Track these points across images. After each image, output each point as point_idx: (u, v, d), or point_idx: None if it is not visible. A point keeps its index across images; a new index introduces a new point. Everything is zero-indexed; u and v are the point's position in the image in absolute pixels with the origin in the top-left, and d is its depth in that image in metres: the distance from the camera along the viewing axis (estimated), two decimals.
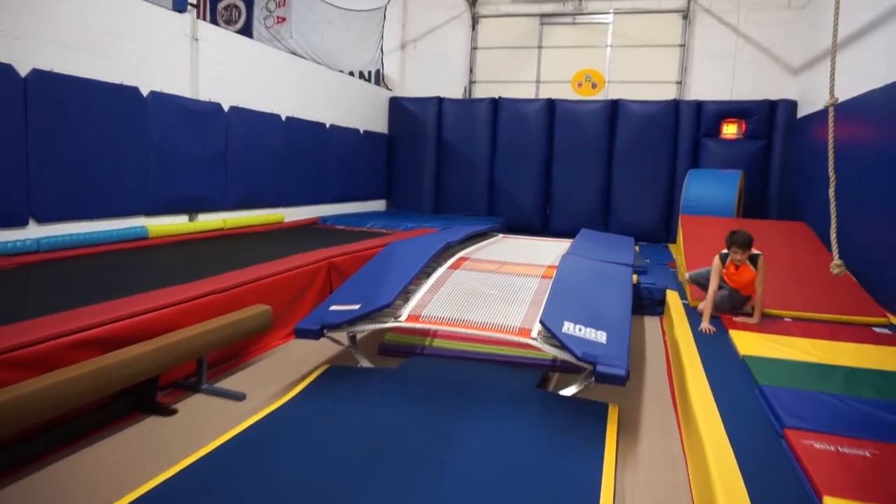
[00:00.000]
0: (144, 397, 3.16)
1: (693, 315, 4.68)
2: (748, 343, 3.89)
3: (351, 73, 11.13)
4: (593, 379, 2.94)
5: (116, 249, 5.22)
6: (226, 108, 6.76)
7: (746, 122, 9.23)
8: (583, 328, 3.18)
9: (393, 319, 3.56)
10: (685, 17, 9.75)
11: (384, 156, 10.89)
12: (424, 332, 4.26)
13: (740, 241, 4.47)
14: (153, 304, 3.34)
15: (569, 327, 3.15)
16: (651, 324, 5.53)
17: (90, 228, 5.23)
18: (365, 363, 3.74)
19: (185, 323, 3.45)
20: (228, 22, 12.18)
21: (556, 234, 10.11)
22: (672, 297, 5.42)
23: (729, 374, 3.34)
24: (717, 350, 3.82)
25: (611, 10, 10.11)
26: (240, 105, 7.00)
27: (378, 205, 10.85)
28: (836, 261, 3.75)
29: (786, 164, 9.05)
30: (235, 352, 3.94)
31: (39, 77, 4.68)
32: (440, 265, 4.48)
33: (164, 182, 5.95)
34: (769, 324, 4.40)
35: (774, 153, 9.16)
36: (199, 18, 11.40)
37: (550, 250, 5.25)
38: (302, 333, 3.50)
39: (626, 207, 9.77)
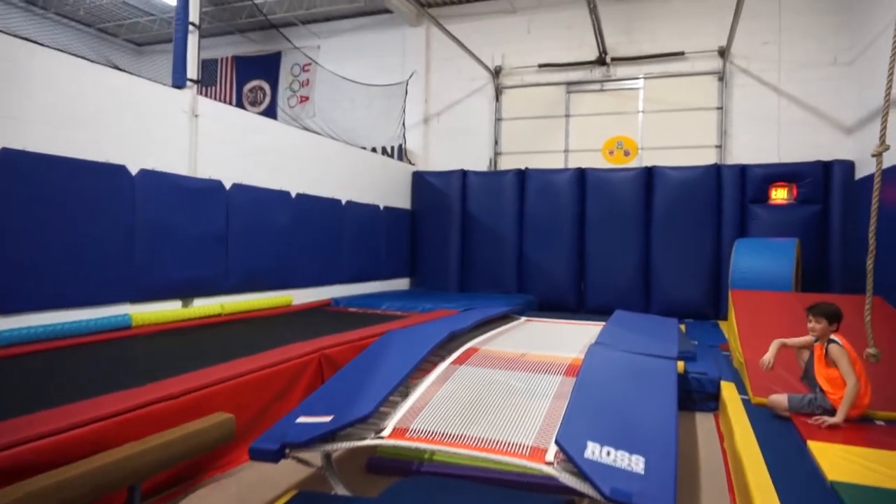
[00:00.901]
0: None
1: (757, 416, 3.79)
2: (836, 461, 2.99)
3: (374, 149, 10.88)
4: None
5: (88, 342, 4.68)
6: (227, 185, 6.37)
7: (798, 185, 8.42)
8: (612, 451, 2.39)
9: (373, 435, 2.83)
10: (721, 79, 9.19)
11: (407, 232, 10.39)
12: None
13: (822, 310, 3.67)
14: (77, 419, 2.71)
15: (594, 450, 2.37)
16: (704, 422, 4.63)
17: (63, 318, 4.73)
18: (341, 489, 2.99)
19: (119, 441, 2.80)
20: (254, 103, 12.24)
21: (592, 311, 9.29)
22: (728, 391, 4.53)
23: None
24: (794, 468, 2.94)
25: (641, 76, 9.64)
26: (243, 182, 6.61)
27: (401, 283, 10.26)
28: (871, 349, 3.46)
29: (847, 230, 8.14)
30: (190, 471, 3.25)
31: (7, 156, 4.32)
32: (443, 358, 3.77)
33: (153, 265, 5.48)
34: (857, 430, 3.49)
35: (833, 218, 8.27)
36: (223, 101, 11.45)
37: (579, 337, 4.48)
38: (257, 454, 2.80)
39: (668, 281, 8.91)
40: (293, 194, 7.45)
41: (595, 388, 2.94)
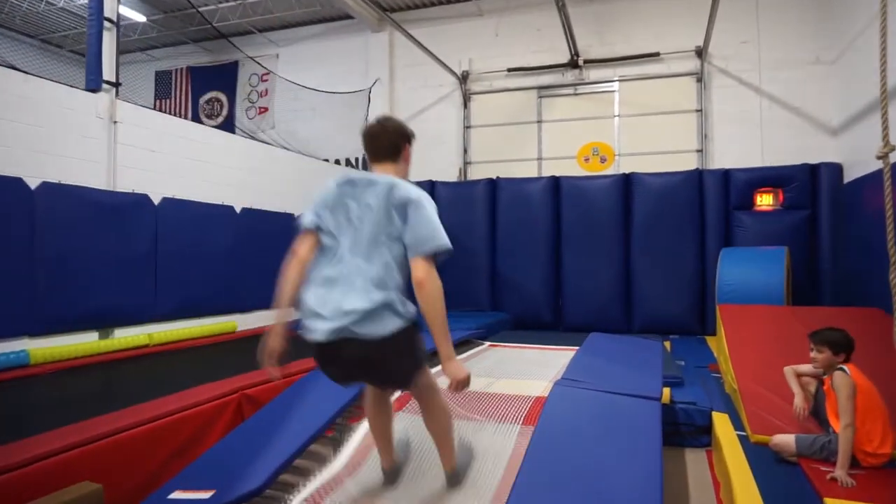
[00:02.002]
0: None
1: (759, 461, 3.16)
2: None
3: (337, 161, 10.23)
4: None
5: None
6: (156, 199, 5.67)
7: (784, 190, 7.89)
8: None
9: None
10: (699, 81, 8.69)
11: None
12: None
13: (825, 338, 3.09)
14: None
15: None
16: (695, 462, 3.99)
17: None
18: None
19: None
20: (210, 116, 11.55)
21: (571, 329, 8.65)
22: (722, 426, 3.89)
23: None
24: None
25: (615, 78, 9.12)
26: (177, 196, 5.92)
27: None
28: None
29: (838, 236, 7.61)
30: None
31: None
32: None
33: (58, 292, 4.75)
34: (879, 478, 2.87)
35: (822, 224, 7.74)
36: (178, 114, 10.75)
37: (547, 368, 3.83)
38: None
39: (651, 295, 8.31)
40: (238, 209, 6.75)
41: (556, 447, 2.29)
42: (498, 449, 2.43)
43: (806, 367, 3.38)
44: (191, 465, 2.68)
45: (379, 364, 2.15)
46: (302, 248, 2.37)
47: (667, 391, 4.45)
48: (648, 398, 2.60)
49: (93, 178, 5.09)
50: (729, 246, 7.85)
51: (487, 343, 5.07)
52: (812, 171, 7.81)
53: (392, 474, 2.39)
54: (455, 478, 2.31)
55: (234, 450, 2.64)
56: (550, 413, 2.57)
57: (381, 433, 2.39)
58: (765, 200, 8.01)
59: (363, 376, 2.27)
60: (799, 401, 3.35)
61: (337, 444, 2.72)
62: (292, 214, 7.78)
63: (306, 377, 3.39)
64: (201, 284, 6.18)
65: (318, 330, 2.11)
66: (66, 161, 4.87)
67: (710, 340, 7.49)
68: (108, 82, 5.23)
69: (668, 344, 7.19)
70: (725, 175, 8.16)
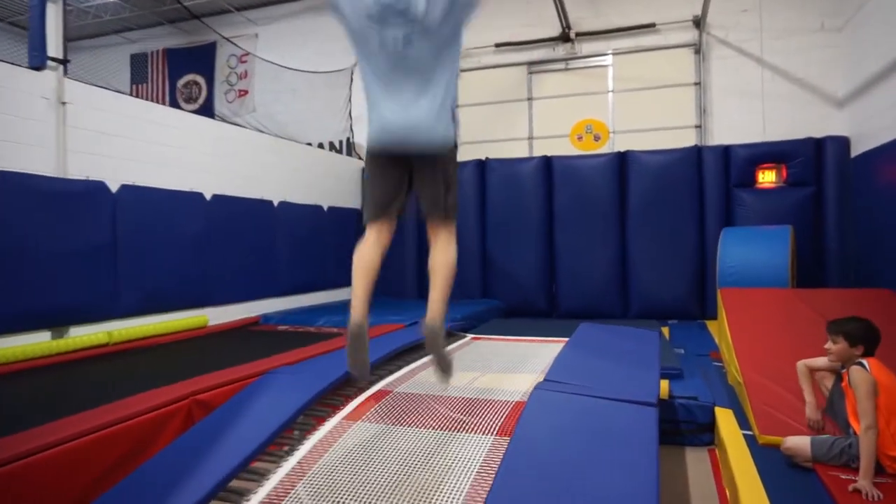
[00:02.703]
0: None
1: (769, 466, 2.80)
2: None
3: (321, 145, 9.82)
4: None
5: None
6: (114, 187, 5.26)
7: (787, 166, 7.49)
8: None
9: None
10: (697, 52, 8.24)
11: (358, 235, 9.29)
12: None
13: (841, 327, 2.75)
14: None
15: None
16: (697, 463, 3.63)
17: None
18: None
19: None
20: (189, 100, 11.10)
21: (566, 315, 8.29)
22: (726, 424, 3.53)
23: None
24: None
25: (609, 52, 8.67)
26: (138, 183, 5.51)
27: None
28: None
29: (845, 214, 7.22)
30: None
31: None
32: (337, 408, 2.73)
33: (3, 291, 4.35)
34: None
35: (828, 202, 7.35)
36: (156, 99, 10.28)
37: (532, 363, 3.46)
38: None
39: (648, 279, 7.94)
40: (208, 196, 6.35)
41: (533, 464, 1.92)
42: (465, 466, 2.06)
43: (821, 361, 3.01)
44: (118, 484, 2.31)
45: (441, 167, 2.50)
46: None
47: (665, 384, 4.08)
48: (643, 403, 2.23)
49: (40, 164, 4.68)
50: (730, 226, 7.47)
51: (470, 336, 4.70)
52: (817, 145, 7.40)
53: (363, 335, 2.48)
54: (438, 332, 2.48)
55: (165, 468, 2.27)
56: (528, 424, 2.20)
57: (367, 280, 2.62)
58: (767, 177, 7.60)
59: (421, 181, 2.54)
60: (811, 411, 3.01)
61: (291, 449, 2.36)
62: (271, 202, 7.38)
63: (248, 388, 3.01)
64: (168, 277, 5.79)
65: (394, 131, 2.37)
66: (8, 146, 4.46)
67: (711, 325, 7.13)
68: (54, 59, 4.80)
69: (666, 330, 6.83)
70: (725, 151, 7.75)
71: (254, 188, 7.09)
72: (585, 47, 8.78)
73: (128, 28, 11.66)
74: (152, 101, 11.19)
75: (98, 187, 5.11)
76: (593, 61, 8.77)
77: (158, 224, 5.69)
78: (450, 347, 4.21)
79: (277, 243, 7.40)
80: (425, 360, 3.89)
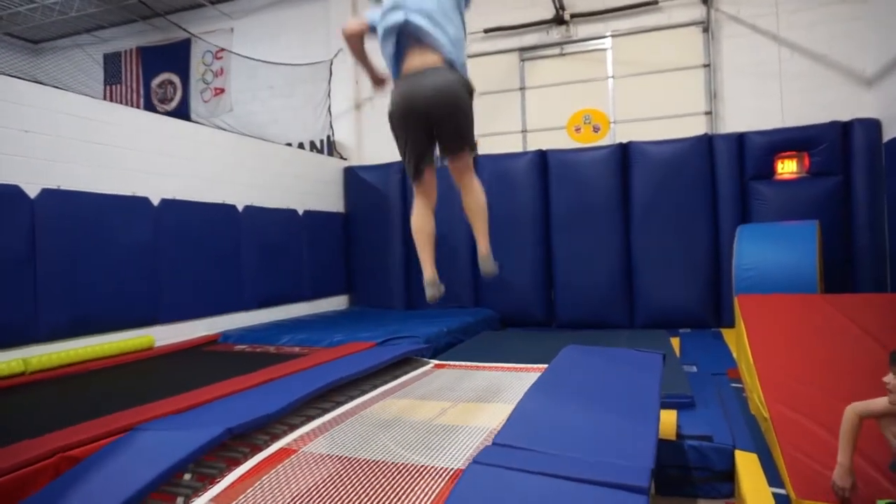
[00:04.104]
0: None
1: None
2: None
3: (301, 145, 9.13)
4: None
5: None
6: (32, 192, 4.58)
7: (810, 154, 6.66)
8: None
9: None
10: (706, 31, 7.44)
11: (340, 241, 8.61)
12: None
13: None
14: None
15: None
16: None
17: None
18: None
19: None
20: (164, 100, 10.47)
21: (566, 325, 7.53)
22: (749, 472, 2.75)
23: None
24: None
25: (608, 34, 7.88)
26: (64, 187, 4.82)
27: (336, 303, 8.46)
28: None
29: (877, 207, 6.39)
30: None
31: None
32: (240, 460, 2.00)
33: None
34: None
35: (857, 193, 6.51)
36: (128, 103, 9.63)
37: (497, 404, 2.70)
38: None
39: (656, 283, 7.14)
40: (155, 200, 5.66)
41: None
42: None
43: (880, 403, 2.23)
44: None
45: (460, 109, 2.86)
46: None
47: (671, 418, 3.33)
48: (627, 489, 1.48)
49: None
50: (746, 223, 6.67)
51: (433, 363, 3.93)
52: (843, 129, 6.57)
53: (438, 284, 3.00)
54: (490, 261, 3.09)
55: None
56: None
57: (429, 243, 3.08)
58: (787, 167, 6.78)
59: (442, 123, 2.88)
60: (842, 475, 2.24)
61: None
62: (234, 206, 6.68)
63: (101, 451, 2.28)
64: (105, 294, 5.10)
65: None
66: None
67: (728, 334, 6.34)
68: None
69: (676, 341, 6.05)
70: (740, 139, 6.94)
71: (214, 191, 6.39)
72: (581, 30, 8.01)
73: (100, 26, 11.06)
74: (126, 103, 10.58)
75: (9, 192, 4.42)
76: (591, 45, 7.98)
77: (91, 233, 5.00)
78: (405, 378, 3.47)
79: (242, 252, 6.70)
80: (379, 390, 3.16)
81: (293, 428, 2.47)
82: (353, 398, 3.23)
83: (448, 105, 2.80)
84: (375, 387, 3.27)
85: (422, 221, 3.11)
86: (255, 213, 6.94)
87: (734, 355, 5.24)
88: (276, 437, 2.38)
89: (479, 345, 5.46)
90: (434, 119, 2.84)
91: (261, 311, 6.93)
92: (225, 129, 7.26)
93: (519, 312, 7.77)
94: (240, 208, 6.74)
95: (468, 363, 3.80)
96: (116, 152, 5.34)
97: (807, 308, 4.55)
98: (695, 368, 4.89)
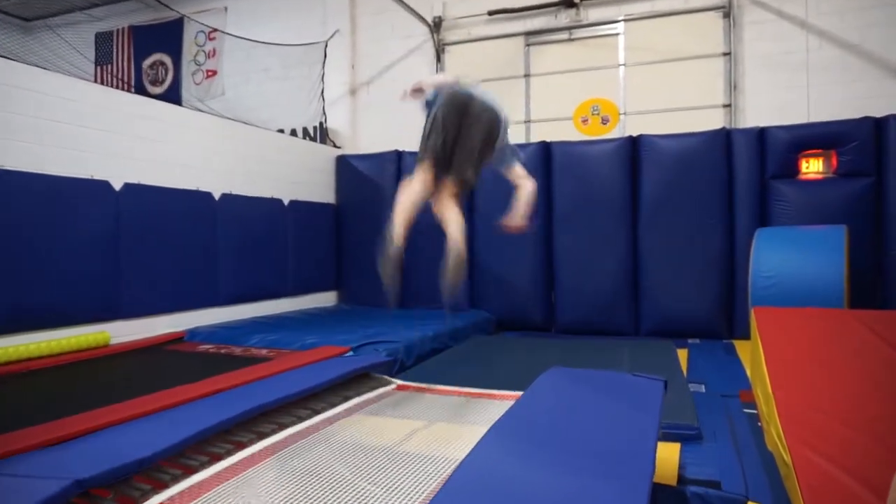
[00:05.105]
0: None
1: None
2: None
3: (293, 132, 8.66)
4: None
5: None
6: None
7: (838, 152, 6.07)
8: None
9: None
10: (727, 16, 6.85)
11: (330, 234, 8.12)
12: None
13: None
14: None
15: None
16: None
17: None
18: None
19: None
20: (155, 82, 10.03)
21: (567, 331, 7.01)
22: None
23: None
24: None
25: (620, 18, 7.32)
26: (6, 167, 4.37)
27: (323, 300, 7.99)
28: None
29: None
30: None
31: None
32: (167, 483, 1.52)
33: None
34: None
35: (890, 195, 5.92)
36: (119, 83, 9.21)
37: (455, 445, 2.20)
38: None
39: (664, 288, 6.59)
40: (117, 185, 5.20)
41: None
42: None
43: None
44: None
45: (487, 134, 3.27)
46: None
47: (674, 454, 2.82)
48: None
49: None
50: (766, 226, 6.10)
51: (396, 383, 3.42)
52: (876, 126, 5.97)
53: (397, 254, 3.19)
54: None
55: None
56: None
57: (410, 213, 3.28)
58: (813, 166, 6.20)
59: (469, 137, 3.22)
60: None
61: None
62: (209, 194, 6.22)
63: None
64: (55, 285, 4.65)
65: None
66: None
67: (741, 347, 5.80)
68: None
69: (684, 354, 5.51)
70: (761, 135, 6.36)
71: (187, 177, 5.93)
72: (592, 13, 7.44)
73: (94, 4, 10.63)
74: (115, 86, 10.16)
75: None
76: (601, 30, 7.41)
77: (38, 219, 4.55)
78: (358, 399, 2.97)
79: (218, 243, 6.24)
80: (309, 422, 2.67)
81: (240, 446, 2.00)
82: (301, 419, 2.76)
83: (492, 121, 3.26)
84: (317, 412, 2.78)
85: (413, 197, 3.24)
86: (233, 202, 6.47)
87: (748, 373, 4.70)
88: (217, 458, 1.91)
89: (460, 356, 4.94)
90: (473, 128, 3.20)
91: (237, 307, 6.46)
92: (203, 111, 6.78)
93: (516, 315, 7.26)
94: (216, 196, 6.27)
95: (433, 385, 3.28)
96: (72, 130, 4.88)
97: (834, 325, 4.00)
98: (703, 388, 4.36)
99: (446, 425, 2.79)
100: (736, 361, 5.30)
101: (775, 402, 3.00)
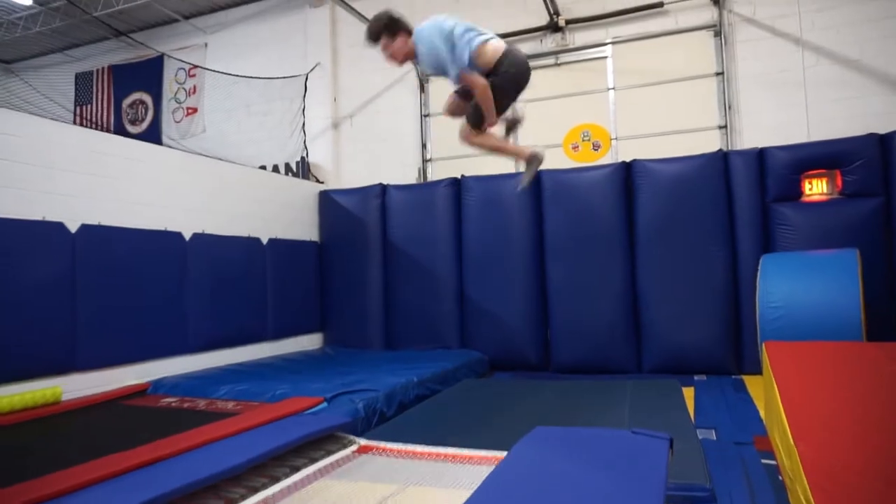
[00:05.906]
0: None
1: None
2: None
3: (275, 168, 8.38)
4: None
5: None
6: None
7: (842, 172, 5.74)
8: None
9: None
10: (718, 35, 6.60)
11: (313, 273, 7.74)
12: None
13: None
14: None
15: None
16: None
17: None
18: None
19: None
20: (135, 121, 9.79)
21: (563, 370, 6.57)
22: None
23: None
24: None
25: (608, 41, 7.07)
26: None
27: (307, 342, 7.56)
28: None
29: None
30: None
31: None
32: None
33: None
34: None
35: None
36: (98, 124, 8.95)
37: None
38: None
39: (665, 321, 6.18)
40: (73, 227, 4.84)
41: None
42: None
43: None
44: None
45: None
46: None
47: None
48: None
49: None
50: (770, 251, 5.73)
51: (358, 443, 2.99)
52: (882, 143, 5.65)
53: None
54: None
55: None
56: None
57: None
58: (816, 188, 5.86)
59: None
60: None
61: None
62: (179, 234, 5.86)
63: None
64: (1, 336, 4.26)
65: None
66: None
67: (751, 383, 5.38)
68: None
69: (690, 393, 5.07)
70: (760, 156, 6.04)
71: (154, 217, 5.58)
72: (579, 37, 7.21)
73: (73, 45, 10.48)
74: (95, 125, 9.94)
75: None
76: (589, 53, 7.18)
77: None
78: (312, 468, 2.55)
79: (188, 287, 5.85)
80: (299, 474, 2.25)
81: None
82: (256, 490, 2.35)
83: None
84: (276, 479, 2.37)
85: (498, 140, 3.93)
86: (206, 242, 6.11)
87: (761, 414, 4.27)
88: None
89: (444, 405, 4.50)
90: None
91: (211, 354, 6.04)
92: (173, 147, 6.48)
93: (510, 354, 6.83)
94: (186, 236, 5.91)
95: (401, 446, 2.86)
96: (20, 170, 4.54)
97: (855, 361, 3.60)
98: (713, 434, 3.93)
99: (417, 489, 2.38)
100: (747, 399, 4.87)
101: (800, 459, 2.57)
